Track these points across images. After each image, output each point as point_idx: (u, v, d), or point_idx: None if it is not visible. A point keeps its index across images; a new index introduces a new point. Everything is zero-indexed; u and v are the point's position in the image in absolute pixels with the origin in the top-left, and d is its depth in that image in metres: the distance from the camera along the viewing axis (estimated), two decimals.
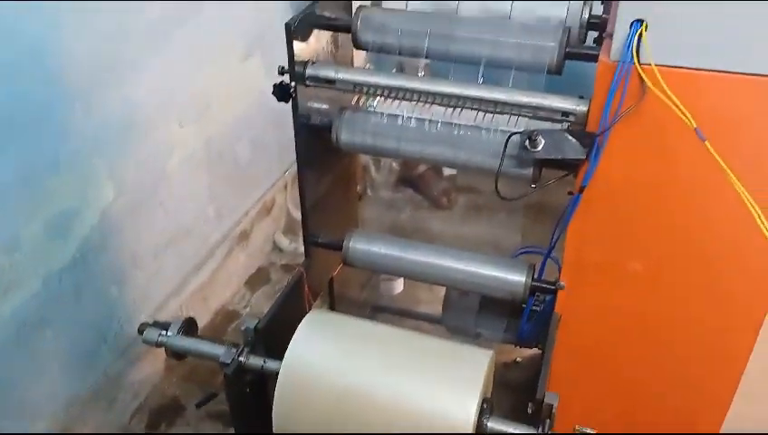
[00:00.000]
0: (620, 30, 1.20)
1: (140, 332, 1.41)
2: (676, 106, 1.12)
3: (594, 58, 1.38)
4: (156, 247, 1.96)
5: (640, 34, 1.18)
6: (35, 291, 1.57)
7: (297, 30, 1.40)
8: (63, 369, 1.70)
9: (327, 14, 1.52)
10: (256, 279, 2.53)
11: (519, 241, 2.65)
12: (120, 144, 1.75)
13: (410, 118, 1.47)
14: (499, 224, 2.80)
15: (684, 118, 1.11)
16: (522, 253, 1.99)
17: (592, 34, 1.54)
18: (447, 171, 3.01)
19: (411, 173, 2.94)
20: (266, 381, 1.36)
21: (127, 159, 1.78)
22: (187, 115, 1.99)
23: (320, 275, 1.79)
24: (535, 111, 1.37)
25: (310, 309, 1.66)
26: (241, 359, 1.33)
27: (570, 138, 1.32)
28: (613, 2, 1.47)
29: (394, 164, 2.97)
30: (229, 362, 1.32)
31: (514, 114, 1.39)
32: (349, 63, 1.67)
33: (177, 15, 1.86)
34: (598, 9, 1.53)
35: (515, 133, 1.31)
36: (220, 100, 2.14)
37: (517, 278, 1.57)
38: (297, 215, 2.79)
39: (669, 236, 1.34)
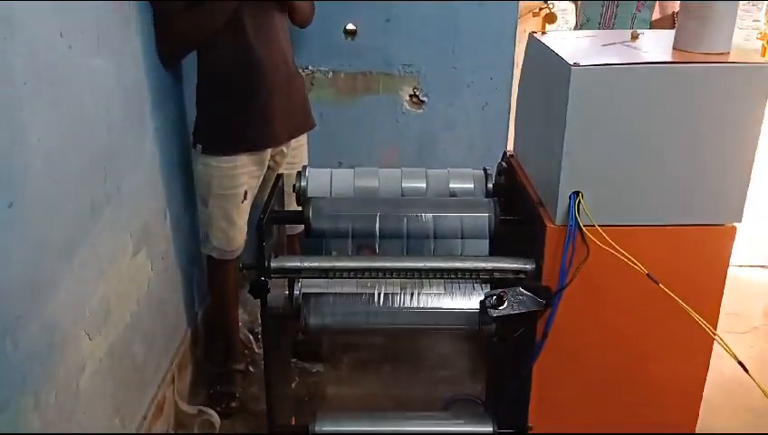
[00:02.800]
0: (562, 201, 1.45)
1: None
2: (626, 257, 1.37)
3: (522, 223, 1.64)
4: None
5: (579, 202, 1.44)
6: None
7: (265, 229, 1.46)
8: None
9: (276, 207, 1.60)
10: None
11: (412, 391, 2.74)
12: (43, 371, 1.57)
13: (376, 295, 1.56)
14: (389, 376, 2.88)
15: (636, 266, 1.36)
16: (456, 399, 2.12)
17: None
18: None
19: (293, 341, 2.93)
20: None
21: (49, 385, 1.60)
22: (94, 325, 1.85)
23: None
24: (491, 274, 1.55)
25: None
26: None
27: (527, 293, 1.52)
28: (518, 173, 1.76)
29: None
30: None
31: (474, 279, 1.56)
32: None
33: (81, 227, 1.78)
34: None
35: (490, 295, 1.46)
36: (117, 301, 2.02)
37: (485, 429, 1.67)
38: (185, 407, 2.60)
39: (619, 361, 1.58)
